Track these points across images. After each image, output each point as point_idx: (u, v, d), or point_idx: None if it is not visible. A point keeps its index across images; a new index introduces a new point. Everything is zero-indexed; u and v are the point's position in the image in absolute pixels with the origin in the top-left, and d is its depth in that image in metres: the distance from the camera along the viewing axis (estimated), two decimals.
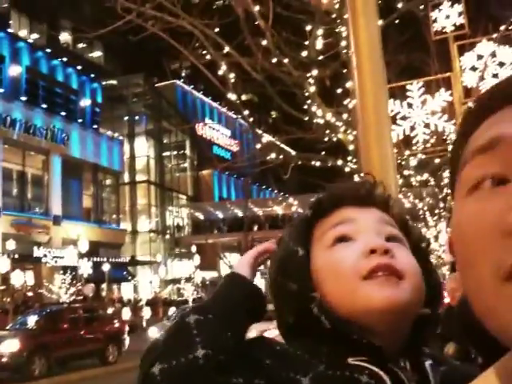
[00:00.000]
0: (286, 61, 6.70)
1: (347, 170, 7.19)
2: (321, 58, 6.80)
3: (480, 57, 11.84)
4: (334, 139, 7.68)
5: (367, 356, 0.74)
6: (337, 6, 6.04)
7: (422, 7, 10.99)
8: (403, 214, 0.89)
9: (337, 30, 6.52)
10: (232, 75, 6.90)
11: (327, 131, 7.59)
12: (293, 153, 7.66)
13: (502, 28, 10.94)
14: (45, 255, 29.08)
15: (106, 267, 27.71)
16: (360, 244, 0.79)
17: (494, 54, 11.51)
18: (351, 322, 0.75)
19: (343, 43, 6.48)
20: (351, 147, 6.86)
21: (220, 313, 0.79)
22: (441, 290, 0.85)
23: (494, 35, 11.37)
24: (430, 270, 0.83)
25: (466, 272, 0.48)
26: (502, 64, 11.40)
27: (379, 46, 2.71)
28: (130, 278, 35.10)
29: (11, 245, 22.94)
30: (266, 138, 7.80)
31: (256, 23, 6.82)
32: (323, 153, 8.19)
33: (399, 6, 8.01)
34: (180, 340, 0.76)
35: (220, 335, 0.77)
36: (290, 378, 0.73)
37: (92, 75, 36.29)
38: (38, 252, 28.92)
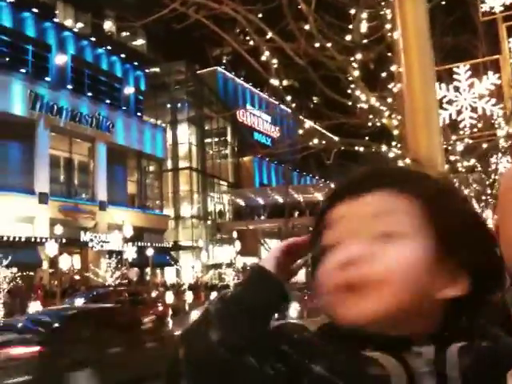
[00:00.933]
0: (329, 45, 6.62)
1: (391, 155, 7.08)
2: (365, 41, 6.68)
3: None
4: (378, 124, 7.56)
5: (382, 346, 0.72)
6: None
7: None
8: (427, 186, 0.77)
9: (381, 13, 6.39)
10: (275, 61, 6.87)
11: (371, 116, 7.47)
12: (335, 138, 7.57)
13: None
14: (91, 240, 29.92)
15: (149, 252, 28.28)
16: (335, 254, 0.74)
17: None
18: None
19: (388, 26, 6.35)
20: (395, 132, 6.74)
21: (243, 308, 0.79)
22: (494, 264, 0.75)
23: None
24: (477, 241, 0.75)
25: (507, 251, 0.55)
26: None
27: (427, 29, 2.65)
28: (172, 262, 35.71)
29: (59, 230, 23.70)
30: (308, 123, 7.75)
31: (299, 7, 6.75)
32: (367, 138, 8.07)
33: None
34: (200, 326, 0.79)
35: (241, 326, 0.78)
36: (302, 363, 0.75)
37: (135, 63, 36.83)
38: (84, 237, 29.78)
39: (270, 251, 0.88)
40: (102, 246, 30.17)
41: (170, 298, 24.04)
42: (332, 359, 0.74)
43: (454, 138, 9.53)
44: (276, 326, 0.82)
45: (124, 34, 40.56)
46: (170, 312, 20.78)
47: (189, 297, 28.02)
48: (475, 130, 10.13)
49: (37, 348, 7.38)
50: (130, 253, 27.86)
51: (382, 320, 0.70)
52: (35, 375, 7.14)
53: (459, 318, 0.76)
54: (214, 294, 25.70)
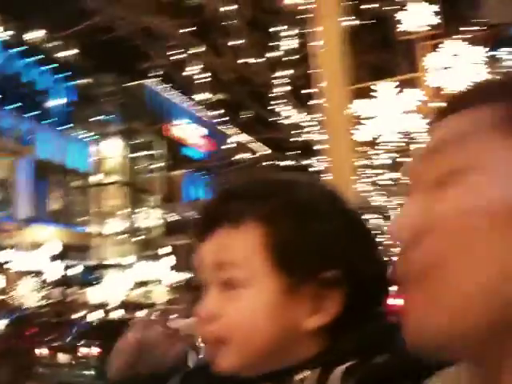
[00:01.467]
0: (254, 61, 6.70)
1: (315, 169, 7.24)
2: (289, 58, 6.83)
3: (448, 56, 12.07)
4: (302, 139, 7.73)
5: (267, 378, 0.70)
6: (305, 7, 6.06)
7: (390, 8, 11.15)
8: (269, 208, 0.69)
9: (305, 31, 6.55)
10: (203, 75, 6.88)
11: (296, 131, 7.62)
12: (264, 152, 7.67)
13: (471, 30, 11.19)
14: (11, 260, 28.48)
15: (74, 270, 27.31)
16: (196, 307, 0.73)
17: (460, 54, 11.74)
18: None
19: (313, 44, 6.51)
20: (318, 147, 6.90)
21: None
22: (363, 276, 0.69)
23: (463, 36, 11.61)
24: (327, 263, 0.68)
25: None
26: (470, 63, 11.64)
27: (341, 48, 2.73)
28: (99, 280, 34.65)
29: None
30: (237, 137, 7.78)
31: (226, 24, 6.80)
32: (292, 153, 8.22)
33: (368, 7, 8.09)
34: None
35: None
36: None
37: (63, 74, 35.74)
38: (4, 256, 28.31)
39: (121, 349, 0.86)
40: (23, 266, 28.79)
41: (96, 317, 23.26)
42: None
43: (376, 153, 9.89)
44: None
45: (52, 44, 39.30)
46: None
47: (116, 316, 27.22)
48: (395, 145, 10.58)
49: None
50: (54, 272, 26.76)
51: (243, 370, 0.69)
52: None
53: (345, 336, 0.69)
54: (142, 313, 25.14)
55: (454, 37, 11.76)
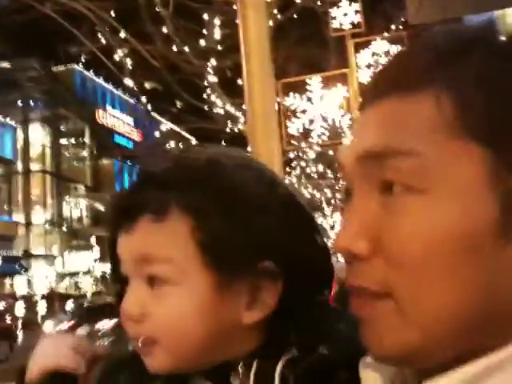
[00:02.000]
0: (186, 49, 6.65)
1: None
2: (220, 48, 6.82)
3: (375, 54, 12.48)
4: (235, 130, 7.76)
5: (206, 374, 0.67)
6: None
7: (320, 4, 11.37)
8: (195, 195, 0.62)
9: (236, 21, 6.57)
10: (129, 61, 6.74)
11: (228, 122, 7.64)
12: (193, 142, 7.63)
13: (395, 27, 11.61)
14: None
15: None
16: (122, 303, 0.67)
17: (388, 53, 12.17)
18: None
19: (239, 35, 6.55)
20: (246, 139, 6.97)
21: None
22: (299, 267, 0.66)
23: (387, 34, 12.03)
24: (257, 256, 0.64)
25: None
26: None
27: (267, 40, 2.78)
28: (23, 271, 33.30)
29: None
30: (166, 126, 7.70)
31: (156, 9, 6.70)
32: (224, 144, 8.24)
33: (298, 1, 8.21)
34: None
35: None
36: None
37: None
38: None
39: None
40: None
41: (20, 310, 22.40)
42: None
43: (303, 145, 10.08)
44: None
45: None
46: (20, 325, 19.37)
47: (42, 308, 26.34)
48: (325, 138, 10.83)
49: None
50: None
51: (172, 371, 0.65)
52: None
53: (284, 328, 0.66)
54: (69, 304, 24.44)
55: (377, 35, 12.18)
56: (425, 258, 0.44)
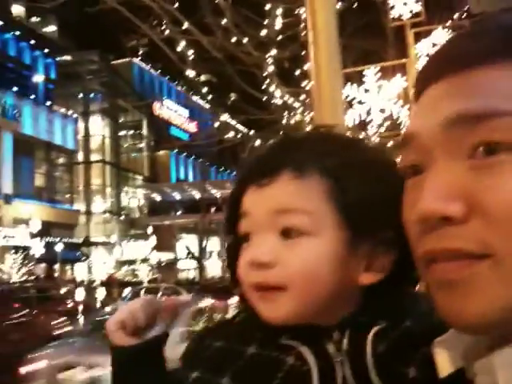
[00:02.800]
0: (245, 40, 6.69)
1: None
2: (280, 38, 6.81)
3: (435, 44, 12.12)
4: (292, 120, 7.75)
5: (300, 333, 0.70)
6: None
7: None
8: (334, 161, 0.69)
9: (296, 12, 6.55)
10: (191, 52, 6.85)
11: (285, 112, 7.64)
12: (251, 132, 7.68)
13: (456, 16, 11.24)
14: None
15: (58, 247, 27.19)
16: (246, 252, 0.71)
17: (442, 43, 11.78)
18: None
19: (302, 24, 6.51)
20: (308, 129, 6.95)
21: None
22: (402, 252, 0.68)
23: (448, 23, 11.67)
24: (379, 229, 0.69)
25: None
26: None
27: (336, 28, 2.77)
28: (83, 258, 34.57)
29: None
30: (224, 117, 7.78)
31: (216, 1, 6.77)
32: (281, 133, 8.26)
33: None
34: None
35: None
36: (210, 379, 0.72)
37: (45, 50, 35.14)
38: None
39: (133, 308, 0.82)
40: (6, 241, 28.57)
41: (80, 294, 23.26)
42: (243, 359, 0.72)
43: (362, 137, 9.96)
44: (181, 355, 0.79)
45: (34, 19, 38.56)
46: (81, 309, 20.13)
47: (101, 294, 27.26)
48: (382, 129, 10.66)
49: None
50: (38, 248, 26.64)
51: (293, 320, 0.68)
52: None
53: (379, 299, 0.71)
54: (126, 291, 25.20)
55: (437, 24, 11.83)
56: None
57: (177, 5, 6.68)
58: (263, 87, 7.34)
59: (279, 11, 6.50)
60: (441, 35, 11.90)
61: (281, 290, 0.67)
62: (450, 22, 11.39)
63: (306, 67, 6.63)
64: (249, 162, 0.77)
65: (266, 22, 6.70)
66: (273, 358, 0.70)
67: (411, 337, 0.69)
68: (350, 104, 9.96)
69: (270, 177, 0.69)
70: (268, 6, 6.59)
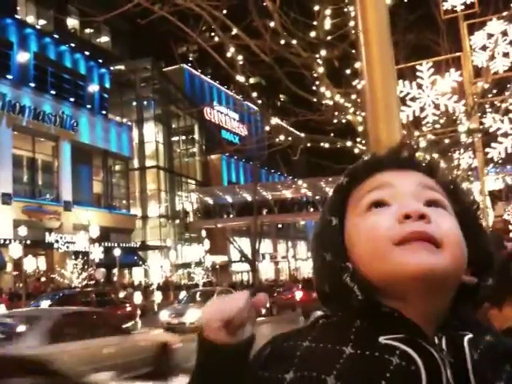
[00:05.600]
0: (294, 42, 6.65)
1: (356, 151, 7.17)
2: (329, 38, 6.74)
3: (490, 36, 11.66)
4: (343, 121, 7.64)
5: (400, 333, 0.71)
6: None
7: None
8: (448, 177, 0.84)
9: (345, 10, 6.46)
10: (240, 57, 6.87)
11: (336, 113, 7.54)
12: (301, 135, 7.62)
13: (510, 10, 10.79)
14: (56, 241, 29.38)
15: (116, 252, 27.96)
16: (395, 209, 0.75)
17: (504, 33, 11.32)
18: (384, 291, 0.73)
19: (351, 23, 6.42)
20: (360, 128, 6.82)
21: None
22: (490, 257, 0.79)
23: (505, 13, 11.20)
24: (479, 236, 0.79)
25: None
26: (508, 44, 11.21)
27: (387, 25, 2.70)
28: (140, 262, 35.41)
29: (23, 231, 23.19)
30: (275, 120, 7.77)
31: (264, 4, 6.77)
32: (332, 134, 8.15)
33: None
34: None
35: None
36: (314, 378, 0.70)
37: (100, 60, 36.30)
38: (49, 238, 29.22)
39: (214, 308, 0.78)
40: (67, 247, 29.67)
41: (138, 298, 23.84)
42: (344, 358, 0.71)
43: (416, 134, 9.71)
44: (269, 349, 0.78)
45: (88, 30, 39.93)
46: (139, 312, 20.63)
47: (157, 297, 27.84)
48: (437, 126, 10.36)
49: None
50: (97, 253, 27.50)
51: (436, 276, 0.71)
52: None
53: (464, 309, 0.78)
54: (183, 294, 25.63)
55: (490, 16, 11.37)
56: None
57: (225, 11, 6.72)
58: (313, 88, 7.27)
59: (328, 11, 6.42)
60: (495, 26, 11.45)
61: (435, 246, 0.72)
62: (505, 12, 10.95)
63: (356, 66, 6.52)
64: (381, 153, 0.87)
65: (314, 23, 6.64)
66: (376, 358, 0.69)
67: (495, 352, 0.73)
68: (403, 101, 9.73)
69: (410, 166, 0.82)
70: (317, 7, 6.52)
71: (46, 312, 10.55)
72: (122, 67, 41.31)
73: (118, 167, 39.58)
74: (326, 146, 7.33)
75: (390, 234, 0.72)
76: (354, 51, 6.58)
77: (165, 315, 18.86)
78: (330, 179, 31.54)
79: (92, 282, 26.38)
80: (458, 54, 11.87)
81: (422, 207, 0.74)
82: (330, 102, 6.82)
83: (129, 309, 19.97)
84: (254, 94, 7.13)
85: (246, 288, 27.08)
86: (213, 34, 7.09)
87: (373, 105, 2.49)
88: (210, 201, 43.86)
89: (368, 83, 2.57)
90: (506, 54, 11.04)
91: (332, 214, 0.80)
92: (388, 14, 2.60)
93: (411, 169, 0.81)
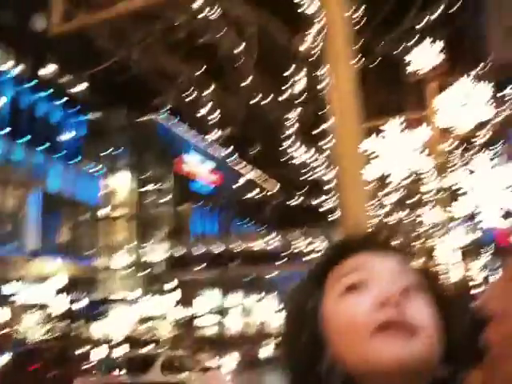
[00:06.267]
0: (267, 100, 6.82)
1: (325, 208, 7.26)
2: (302, 99, 6.93)
3: (456, 95, 12.15)
4: (313, 177, 7.77)
5: None
6: (317, 50, 6.22)
7: (399, 49, 11.33)
8: (424, 264, 0.85)
9: (317, 72, 6.68)
10: (214, 115, 7.00)
11: (306, 169, 7.67)
12: (274, 187, 7.71)
13: (478, 69, 11.32)
14: (17, 292, 28.36)
15: (80, 304, 27.12)
16: (372, 294, 0.74)
17: (470, 93, 11.80)
18: (360, 381, 0.72)
19: (323, 83, 6.62)
20: (329, 186, 6.94)
21: None
22: (465, 346, 0.78)
23: (470, 75, 11.71)
24: (453, 323, 0.78)
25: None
26: (477, 102, 11.69)
27: (355, 88, 2.81)
28: (105, 315, 34.38)
29: None
30: (248, 172, 7.85)
31: (239, 63, 6.96)
32: (303, 191, 8.26)
33: (378, 48, 8.24)
34: None
35: None
36: None
37: (75, 109, 36.35)
38: (10, 288, 28.21)
39: None
40: (28, 299, 28.65)
41: (99, 354, 22.94)
42: None
43: (384, 191, 9.89)
44: None
45: (65, 78, 40.10)
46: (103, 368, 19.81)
47: (120, 353, 26.84)
48: (405, 183, 10.61)
49: None
50: (60, 305, 26.62)
51: (412, 366, 0.70)
52: None
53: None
54: (148, 349, 24.78)
55: (459, 75, 11.89)
56: None
57: (201, 71, 6.89)
58: (286, 144, 7.42)
59: (300, 75, 6.64)
60: (462, 87, 11.95)
61: (410, 334, 0.71)
62: (470, 76, 11.46)
63: (326, 125, 6.69)
64: (359, 234, 0.87)
65: (289, 84, 6.84)
66: None
67: None
68: (371, 157, 9.96)
69: (387, 249, 0.81)
70: (290, 70, 6.74)
71: None
72: (96, 116, 41.44)
73: (87, 216, 38.99)
74: (297, 202, 7.42)
75: (367, 322, 0.71)
76: (325, 111, 6.77)
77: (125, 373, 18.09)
78: (301, 231, 31.65)
79: (54, 336, 25.41)
80: (425, 112, 12.31)
81: (398, 294, 0.73)
82: (301, 160, 6.95)
83: (90, 365, 19.21)
84: (228, 150, 7.23)
85: (213, 343, 26.44)
86: (188, 92, 7.23)
87: (340, 161, 2.57)
88: (180, 251, 43.33)
89: (335, 140, 2.65)
90: (471, 113, 11.50)
91: (308, 295, 0.78)
92: (356, 75, 2.71)
93: (387, 252, 0.80)
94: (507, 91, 12.76)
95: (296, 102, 6.71)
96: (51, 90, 34.88)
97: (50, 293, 27.09)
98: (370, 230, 0.78)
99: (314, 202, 7.23)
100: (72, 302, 28.28)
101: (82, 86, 41.28)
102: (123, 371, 15.06)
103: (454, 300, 0.86)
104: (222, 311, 29.82)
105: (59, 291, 26.94)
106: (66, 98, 36.07)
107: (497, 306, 0.52)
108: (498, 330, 0.50)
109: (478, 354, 0.75)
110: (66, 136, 35.28)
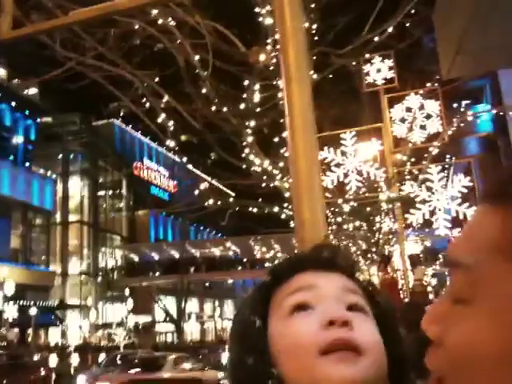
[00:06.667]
0: (224, 109, 6.86)
1: (283, 216, 7.35)
2: (259, 109, 7.00)
3: (408, 109, 12.52)
4: (271, 185, 7.85)
5: None
6: (273, 61, 6.32)
7: (355, 62, 11.60)
8: (369, 281, 0.85)
9: (274, 83, 6.77)
10: (171, 123, 6.99)
11: (264, 178, 7.74)
12: (231, 194, 7.75)
13: (429, 84, 11.71)
14: None
15: (32, 311, 26.36)
16: (318, 314, 0.74)
17: (421, 107, 12.20)
18: None
19: (280, 94, 6.72)
20: (287, 194, 7.03)
21: None
22: (407, 363, 0.79)
23: (421, 91, 12.11)
24: (396, 341, 0.78)
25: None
26: (428, 116, 12.09)
27: (310, 99, 2.89)
28: (58, 322, 33.53)
29: None
30: (205, 179, 7.87)
31: (196, 72, 6.98)
32: (260, 199, 8.33)
33: (334, 60, 8.41)
34: None
35: None
36: None
37: (26, 112, 35.42)
38: None
39: None
40: None
41: (53, 361, 22.37)
42: None
43: (340, 200, 10.07)
44: None
45: (15, 81, 39.04)
46: (54, 376, 19.33)
47: (75, 360, 26.24)
48: (360, 192, 10.83)
49: None
50: (11, 312, 25.80)
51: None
52: None
53: None
54: (102, 356, 24.31)
55: (411, 89, 12.28)
56: (466, 367, 0.48)
57: (157, 79, 6.87)
58: (243, 155, 7.47)
59: (257, 86, 6.72)
60: (413, 101, 12.36)
61: (357, 354, 0.71)
62: (420, 88, 11.87)
63: (284, 134, 6.78)
64: (303, 253, 0.89)
65: (244, 96, 6.90)
66: None
67: None
68: (328, 167, 10.15)
69: (333, 267, 0.82)
70: (246, 81, 6.81)
71: None
72: (49, 120, 40.47)
73: (38, 221, 37.96)
74: (254, 210, 7.47)
75: (315, 342, 0.71)
76: (282, 120, 6.86)
77: (82, 380, 17.80)
78: (259, 237, 31.73)
79: (4, 344, 24.60)
80: (378, 124, 12.62)
81: (345, 313, 0.74)
82: (259, 169, 7.02)
83: (43, 373, 18.70)
84: (185, 159, 7.23)
85: (169, 350, 26.15)
86: (144, 98, 7.19)
87: (295, 172, 2.64)
88: (136, 258, 42.72)
89: (291, 151, 2.73)
90: (422, 127, 11.88)
91: (255, 314, 0.78)
92: (312, 86, 2.80)
93: (333, 270, 0.81)
94: (456, 105, 13.28)
95: (253, 111, 6.78)
96: (1, 93, 33.89)
97: (1, 299, 26.19)
98: (316, 245, 0.80)
99: (274, 210, 7.29)
100: (24, 308, 27.43)
101: (34, 89, 40.33)
102: (137, 369, 15.48)
103: (399, 316, 0.86)
104: (180, 317, 29.52)
105: (10, 298, 26.08)
106: (17, 101, 35.11)
107: (435, 331, 0.54)
108: (436, 354, 0.53)
109: (423, 372, 0.77)
110: (18, 139, 34.32)
